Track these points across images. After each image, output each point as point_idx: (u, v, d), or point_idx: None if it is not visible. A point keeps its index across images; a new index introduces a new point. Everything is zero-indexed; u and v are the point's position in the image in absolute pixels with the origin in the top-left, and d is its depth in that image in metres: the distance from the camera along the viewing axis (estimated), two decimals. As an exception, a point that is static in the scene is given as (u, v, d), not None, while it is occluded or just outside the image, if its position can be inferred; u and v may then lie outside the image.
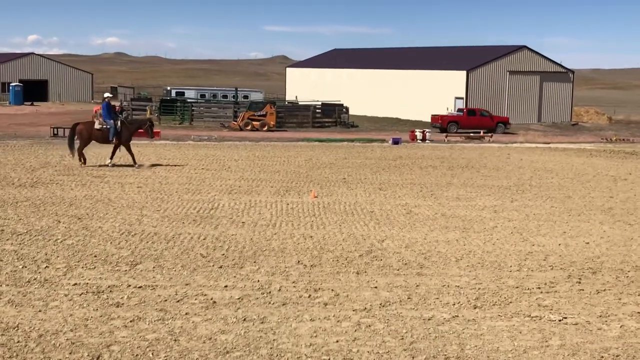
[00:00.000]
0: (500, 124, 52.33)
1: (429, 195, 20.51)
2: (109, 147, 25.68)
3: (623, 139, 47.83)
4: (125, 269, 11.44)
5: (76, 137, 25.05)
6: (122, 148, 25.33)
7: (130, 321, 8.99)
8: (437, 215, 17.16)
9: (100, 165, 24.96)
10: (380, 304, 9.93)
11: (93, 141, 25.31)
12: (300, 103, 63.12)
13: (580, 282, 11.40)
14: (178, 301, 9.83)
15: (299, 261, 12.27)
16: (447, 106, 60.14)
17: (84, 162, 24.81)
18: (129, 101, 55.66)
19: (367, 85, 68.09)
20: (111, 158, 25.21)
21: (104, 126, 25.08)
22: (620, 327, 9.29)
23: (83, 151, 25.10)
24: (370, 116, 63.66)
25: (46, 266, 11.52)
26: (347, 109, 54.91)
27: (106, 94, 26.40)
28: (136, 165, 24.88)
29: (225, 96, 65.69)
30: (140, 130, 26.09)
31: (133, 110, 51.59)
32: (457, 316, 9.51)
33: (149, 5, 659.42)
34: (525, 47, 63.62)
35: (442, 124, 51.32)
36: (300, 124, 52.30)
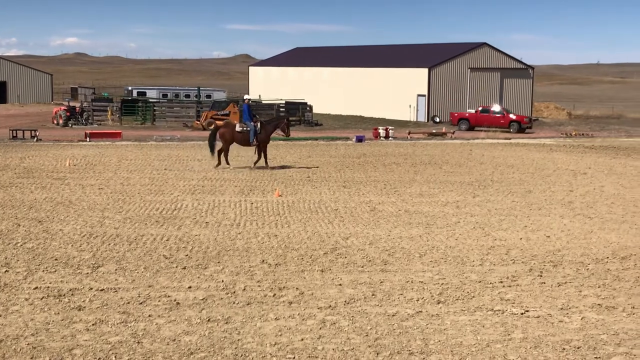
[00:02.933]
0: (514, 123, 48.88)
1: (393, 192, 20.62)
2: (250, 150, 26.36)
3: (582, 134, 48.59)
4: (86, 272, 11.29)
5: (218, 139, 25.45)
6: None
7: (93, 324, 8.88)
8: (400, 212, 17.26)
9: (247, 167, 25.31)
10: (345, 301, 9.95)
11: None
12: (263, 102, 62.95)
13: (541, 276, 11.55)
14: (141, 303, 9.74)
15: (263, 260, 12.24)
16: (409, 104, 60.51)
17: (227, 163, 25.36)
18: (89, 102, 54.92)
19: (330, 83, 68.21)
20: (266, 162, 25.49)
21: (245, 128, 25.33)
22: (581, 319, 9.44)
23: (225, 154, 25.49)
24: (334, 114, 63.75)
25: (6, 270, 11.32)
26: (310, 107, 54.91)
27: (246, 96, 26.82)
28: (268, 167, 25.36)
29: (187, 96, 65.25)
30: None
31: (94, 111, 50.99)
32: (421, 311, 9.57)
33: (109, 5, 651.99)
34: (485, 44, 64.28)
35: (452, 122, 51.26)
36: (264, 123, 52.04)
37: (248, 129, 25.31)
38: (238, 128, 25.40)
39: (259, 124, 25.45)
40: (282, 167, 25.97)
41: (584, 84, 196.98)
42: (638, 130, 53.76)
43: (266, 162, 25.55)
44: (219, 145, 25.54)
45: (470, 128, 50.16)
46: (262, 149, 25.53)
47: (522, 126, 49.28)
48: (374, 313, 9.48)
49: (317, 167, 26.02)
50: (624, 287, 10.98)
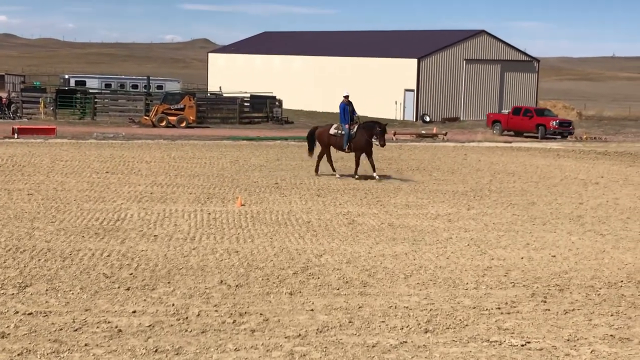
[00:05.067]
0: (541, 126, 47.56)
1: (375, 202, 20.68)
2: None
3: (594, 138, 49.18)
4: (12, 292, 11.19)
5: (317, 142, 25.47)
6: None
7: (18, 354, 8.79)
8: (383, 226, 17.31)
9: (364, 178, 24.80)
10: (317, 330, 9.95)
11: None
12: (225, 95, 62.81)
13: (545, 301, 11.65)
14: (76, 330, 9.67)
15: (221, 281, 12.21)
16: (395, 99, 60.79)
17: (333, 170, 25.30)
18: (18, 92, 54.44)
19: (303, 74, 68.31)
20: (373, 170, 24.90)
21: (339, 131, 24.98)
22: (591, 352, 9.52)
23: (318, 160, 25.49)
24: (307, 111, 63.86)
25: None
26: (280, 102, 54.99)
27: (346, 92, 25.70)
28: (356, 177, 24.89)
29: (135, 86, 64.95)
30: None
31: (23, 103, 50.56)
32: (406, 342, 9.60)
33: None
34: (484, 32, 64.87)
35: (487, 123, 51.51)
36: (225, 120, 52.10)
37: (342, 132, 24.97)
38: (332, 130, 25.20)
39: (355, 128, 24.88)
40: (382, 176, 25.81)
41: (597, 79, 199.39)
42: (658, 134, 54.48)
43: (356, 171, 25.00)
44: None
45: (510, 132, 49.10)
46: (358, 157, 25.02)
47: (548, 131, 47.45)
48: (351, 343, 9.49)
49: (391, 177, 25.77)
50: (640, 315, 11.11)
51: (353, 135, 24.85)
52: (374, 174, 24.74)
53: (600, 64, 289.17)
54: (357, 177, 24.88)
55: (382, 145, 25.10)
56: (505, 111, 53.50)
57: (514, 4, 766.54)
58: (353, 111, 25.29)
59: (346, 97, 25.26)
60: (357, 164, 25.11)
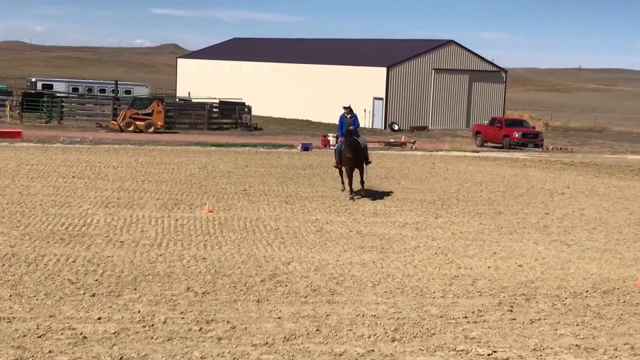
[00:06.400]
0: (506, 137, 47.82)
1: (343, 210, 20.70)
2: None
3: (560, 148, 49.67)
4: (-26, 298, 11.04)
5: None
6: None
7: (-20, 362, 8.67)
8: (351, 234, 17.33)
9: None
10: (284, 338, 9.92)
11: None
12: (193, 100, 62.63)
13: (512, 311, 11.71)
14: (40, 336, 9.56)
15: (188, 288, 12.15)
16: (364, 108, 60.99)
17: (342, 183, 23.92)
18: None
19: (273, 81, 68.29)
20: (362, 186, 23.21)
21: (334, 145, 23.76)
22: (556, 361, 9.59)
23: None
24: (276, 117, 63.85)
25: None
26: (249, 108, 54.93)
27: (347, 103, 23.90)
28: (342, 188, 23.49)
29: (103, 90, 64.57)
30: None
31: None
32: (373, 350, 9.60)
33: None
34: (452, 42, 65.30)
35: (472, 134, 51.81)
36: (194, 125, 51.95)
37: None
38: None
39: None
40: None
41: (563, 91, 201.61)
42: (623, 145, 55.24)
43: (342, 182, 23.71)
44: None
45: (498, 144, 48.75)
46: (347, 171, 23.13)
47: (512, 141, 47.48)
48: (318, 352, 9.47)
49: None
50: (605, 325, 11.21)
51: (342, 148, 23.27)
52: (361, 191, 23.20)
53: (567, 75, 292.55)
54: (353, 196, 22.64)
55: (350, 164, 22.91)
56: (485, 122, 53.88)
57: (481, 15, 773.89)
58: (354, 122, 23.44)
59: (346, 108, 23.66)
60: (348, 179, 23.09)
